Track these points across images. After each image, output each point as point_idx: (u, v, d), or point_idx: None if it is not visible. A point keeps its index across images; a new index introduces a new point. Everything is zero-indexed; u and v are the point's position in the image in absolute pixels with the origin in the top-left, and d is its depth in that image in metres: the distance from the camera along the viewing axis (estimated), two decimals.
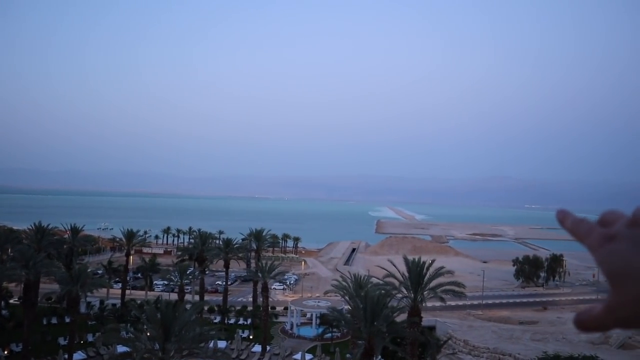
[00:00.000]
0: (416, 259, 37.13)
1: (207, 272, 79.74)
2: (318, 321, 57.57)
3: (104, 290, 70.14)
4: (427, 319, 52.29)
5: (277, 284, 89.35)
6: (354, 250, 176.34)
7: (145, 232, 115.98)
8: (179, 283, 55.87)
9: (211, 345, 39.49)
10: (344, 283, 45.34)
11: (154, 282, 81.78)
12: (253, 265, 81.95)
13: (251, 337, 54.29)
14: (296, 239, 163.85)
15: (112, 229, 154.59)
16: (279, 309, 69.22)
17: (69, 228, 78.51)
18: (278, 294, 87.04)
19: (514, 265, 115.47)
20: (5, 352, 42.94)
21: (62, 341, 47.48)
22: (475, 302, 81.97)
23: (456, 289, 36.34)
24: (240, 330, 53.87)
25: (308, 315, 61.88)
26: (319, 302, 62.94)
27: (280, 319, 64.66)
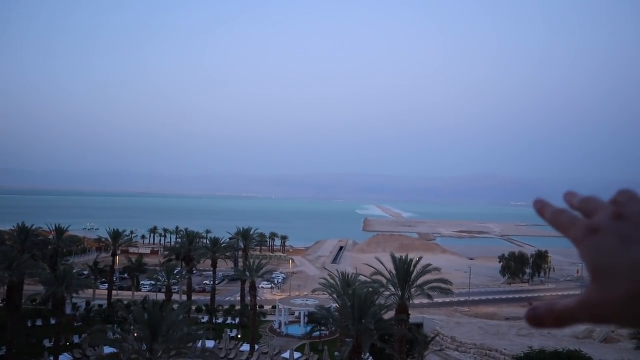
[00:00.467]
0: (403, 257, 37.38)
1: (194, 272, 79.39)
2: (306, 319, 57.65)
3: (90, 291, 69.44)
4: (414, 316, 52.58)
5: (265, 282, 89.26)
6: (341, 248, 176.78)
7: (131, 232, 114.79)
8: (166, 283, 55.59)
9: (199, 344, 39.35)
10: (331, 281, 45.45)
11: (141, 282, 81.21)
12: (240, 264, 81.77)
13: (239, 336, 54.18)
14: (283, 238, 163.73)
15: (97, 229, 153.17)
16: (267, 307, 69.19)
17: (54, 228, 77.63)
18: (266, 292, 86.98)
19: (499, 262, 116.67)
20: None
21: (47, 343, 46.91)
22: (462, 299, 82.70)
23: (443, 285, 36.66)
24: (228, 330, 53.68)
25: (296, 313, 61.93)
26: (306, 300, 62.98)
27: (268, 317, 64.63)
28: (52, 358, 40.54)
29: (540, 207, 1.06)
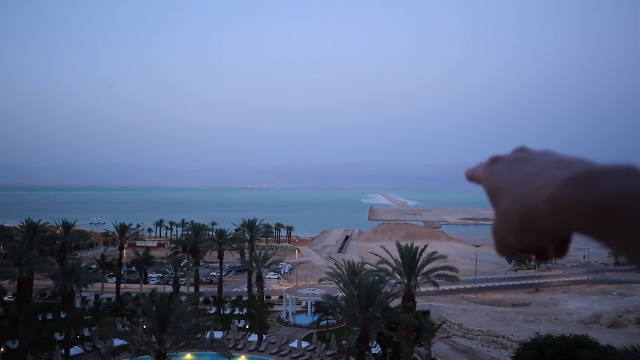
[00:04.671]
0: (409, 245, 37.38)
1: (201, 264, 79.77)
2: (313, 309, 57.96)
3: (99, 284, 70.00)
4: (421, 304, 52.83)
5: (272, 273, 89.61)
6: (347, 237, 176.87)
7: (138, 226, 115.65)
8: (173, 275, 55.95)
9: (208, 335, 39.69)
10: (338, 270, 45.62)
11: (149, 275, 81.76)
12: (247, 255, 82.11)
13: (247, 326, 54.55)
14: (289, 228, 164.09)
15: (104, 223, 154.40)
16: (274, 298, 69.55)
17: (61, 223, 78.12)
18: (273, 283, 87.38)
19: None
20: (2, 350, 42.92)
21: (58, 337, 47.49)
22: (469, 286, 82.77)
23: (449, 273, 36.68)
24: (236, 320, 54.07)
25: (303, 303, 62.26)
26: (313, 290, 63.29)
27: (276, 307, 65.00)
28: (63, 351, 41.01)
29: (467, 172, 1.12)
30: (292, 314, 59.43)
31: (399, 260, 36.24)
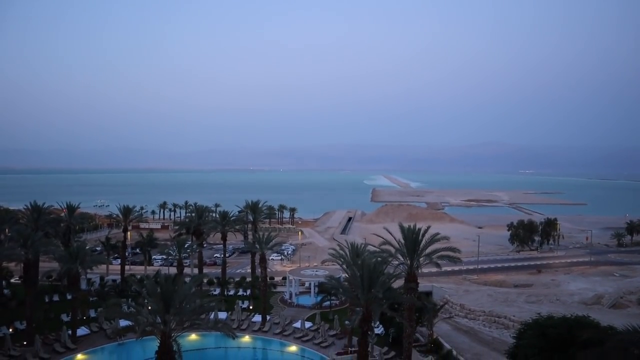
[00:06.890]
0: (412, 226, 37.45)
1: (204, 246, 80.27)
2: (316, 290, 58.46)
3: (104, 266, 70.63)
4: (423, 285, 53.10)
5: (275, 254, 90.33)
6: (350, 219, 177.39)
7: (142, 208, 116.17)
8: (177, 257, 56.33)
9: (212, 316, 40.06)
10: (341, 252, 45.81)
11: (153, 256, 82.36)
12: (250, 237, 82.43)
13: (251, 307, 55.08)
14: (292, 210, 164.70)
15: (108, 205, 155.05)
16: (278, 279, 70.12)
17: (65, 206, 78.55)
18: (276, 264, 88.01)
19: (508, 230, 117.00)
20: (10, 330, 43.49)
21: (65, 318, 48.12)
22: (471, 267, 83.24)
23: (451, 254, 36.76)
24: (240, 301, 54.59)
25: (306, 284, 62.77)
26: (316, 271, 63.74)
27: (279, 289, 65.58)
28: (70, 332, 41.55)
29: None
30: (296, 294, 59.95)
31: (402, 241, 36.32)
